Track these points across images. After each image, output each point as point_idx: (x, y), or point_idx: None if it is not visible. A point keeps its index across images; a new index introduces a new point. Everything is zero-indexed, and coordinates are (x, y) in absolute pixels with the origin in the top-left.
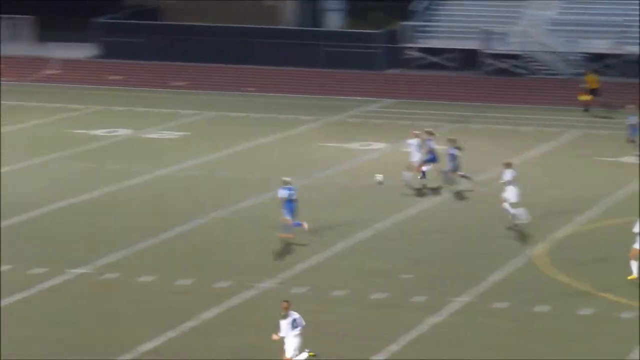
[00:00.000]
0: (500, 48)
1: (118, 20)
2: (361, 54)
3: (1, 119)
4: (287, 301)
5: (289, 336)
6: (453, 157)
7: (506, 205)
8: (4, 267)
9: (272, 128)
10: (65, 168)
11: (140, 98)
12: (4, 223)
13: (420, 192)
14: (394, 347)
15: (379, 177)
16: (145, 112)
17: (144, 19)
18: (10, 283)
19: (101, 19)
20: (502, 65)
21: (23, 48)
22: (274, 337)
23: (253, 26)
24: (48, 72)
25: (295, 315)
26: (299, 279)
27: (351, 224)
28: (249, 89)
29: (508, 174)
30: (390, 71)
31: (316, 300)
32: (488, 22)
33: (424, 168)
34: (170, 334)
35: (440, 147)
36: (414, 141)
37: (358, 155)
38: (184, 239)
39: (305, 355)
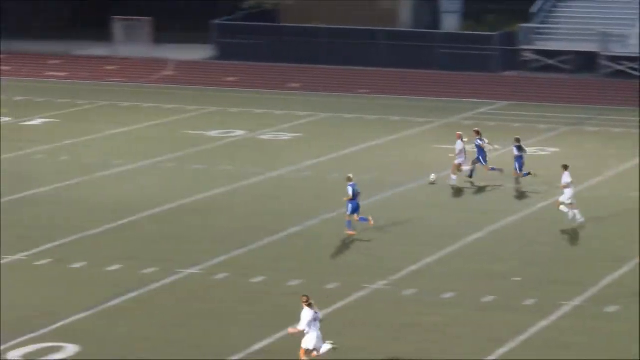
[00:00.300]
0: (618, 50)
1: (234, 22)
2: (477, 56)
3: (116, 120)
4: (306, 295)
5: (309, 330)
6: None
7: (562, 207)
8: (117, 266)
9: (385, 130)
10: (180, 169)
11: (255, 100)
12: (118, 222)
13: (526, 196)
14: (503, 350)
15: (433, 176)
16: (260, 113)
17: (260, 20)
18: (122, 282)
19: (217, 21)
20: (619, 67)
21: (139, 50)
22: (290, 330)
23: (369, 28)
24: (165, 73)
25: (315, 309)
26: (409, 280)
27: (460, 226)
28: (363, 90)
29: (566, 177)
30: (506, 73)
31: (425, 302)
32: (606, 24)
33: (465, 167)
34: (280, 334)
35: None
36: (459, 143)
37: (471, 158)
38: (295, 240)
39: (328, 346)
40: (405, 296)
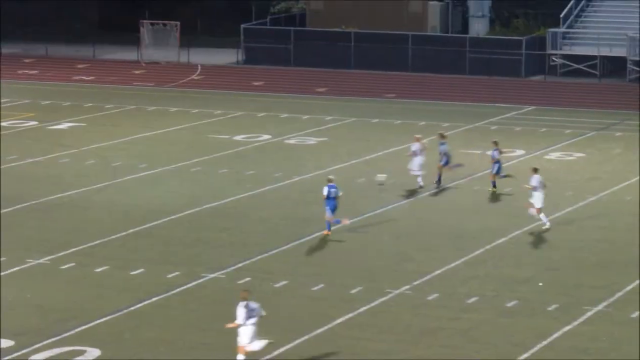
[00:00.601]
0: None
1: (261, 26)
2: (505, 60)
3: (143, 124)
4: (246, 290)
5: (246, 325)
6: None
7: (532, 210)
8: (141, 270)
9: (412, 134)
10: (206, 173)
11: (282, 104)
12: (144, 226)
13: (550, 200)
14: (526, 355)
15: (381, 177)
16: (287, 117)
17: (287, 25)
18: (146, 286)
19: (245, 25)
20: None
21: (166, 54)
22: (229, 325)
23: (397, 32)
24: (192, 77)
25: (253, 304)
26: (433, 285)
27: (484, 231)
28: (390, 95)
29: (534, 180)
30: (534, 78)
31: (448, 307)
32: (635, 29)
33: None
34: (304, 339)
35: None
36: (416, 145)
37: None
38: (319, 245)
39: (264, 343)
40: (429, 301)
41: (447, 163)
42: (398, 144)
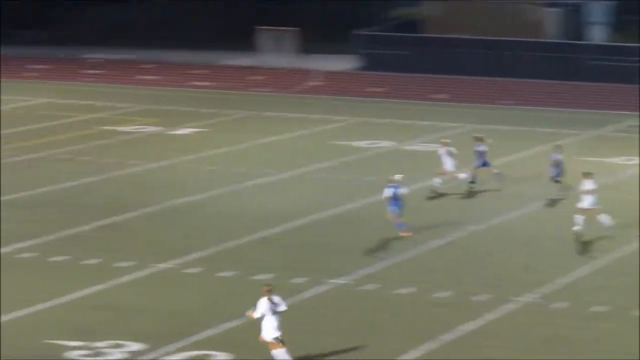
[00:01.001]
0: None
1: (380, 33)
2: (624, 67)
3: (262, 130)
4: (269, 285)
5: (267, 317)
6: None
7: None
8: (266, 276)
9: (530, 142)
10: (326, 179)
11: (402, 110)
12: (267, 232)
13: None
14: None
15: (397, 177)
16: (407, 124)
17: (407, 31)
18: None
19: (363, 31)
20: None
21: (284, 60)
22: (248, 314)
23: (515, 39)
24: (310, 83)
25: (276, 298)
26: (559, 293)
27: (611, 239)
28: (507, 101)
29: (587, 184)
30: None
31: (575, 316)
32: None
33: (462, 175)
34: (429, 346)
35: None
36: (443, 150)
37: (619, 170)
38: (442, 251)
39: (277, 334)
40: (555, 309)
41: (484, 165)
42: (517, 151)
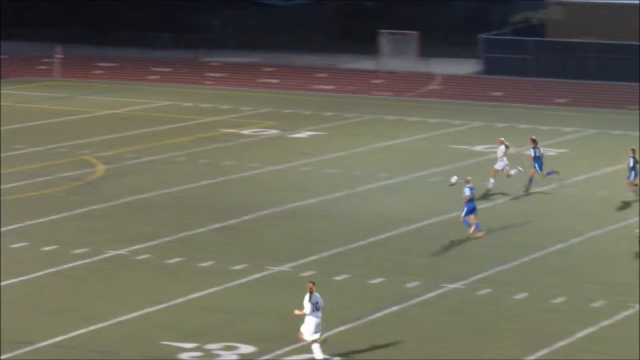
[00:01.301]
0: None
1: (500, 37)
2: None
3: (382, 133)
4: (312, 282)
5: (311, 315)
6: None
7: None
8: (380, 279)
9: None
10: (444, 183)
11: (521, 114)
12: (383, 235)
13: None
14: None
15: (454, 179)
16: (526, 128)
17: (527, 35)
18: (385, 296)
19: (484, 35)
20: None
21: (405, 63)
22: (297, 312)
23: (637, 43)
24: (430, 87)
25: (317, 296)
26: None
27: None
28: (632, 107)
29: None
30: None
31: None
32: None
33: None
34: (542, 352)
35: None
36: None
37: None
38: (559, 257)
39: (317, 336)
40: None
41: (540, 168)
42: None
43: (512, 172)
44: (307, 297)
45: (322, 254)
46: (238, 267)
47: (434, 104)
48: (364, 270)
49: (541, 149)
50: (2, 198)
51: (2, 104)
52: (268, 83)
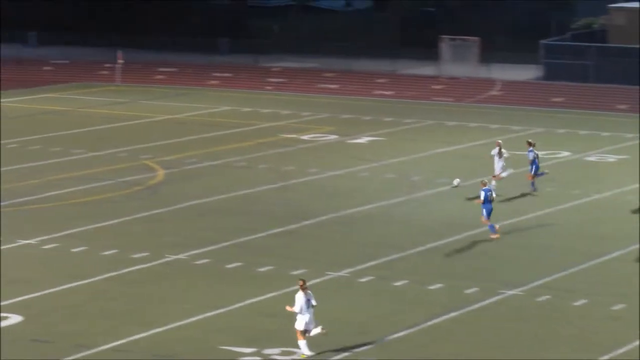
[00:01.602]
0: None
1: (561, 42)
2: None
3: (442, 139)
4: (303, 279)
5: (303, 312)
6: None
7: None
8: (439, 285)
9: None
10: (505, 188)
11: (582, 120)
12: (442, 241)
13: None
14: None
15: (456, 181)
16: (587, 134)
17: (588, 40)
18: (444, 302)
19: (544, 41)
20: None
21: (466, 69)
22: (288, 308)
23: None
24: (491, 93)
25: (310, 293)
26: None
27: None
28: None
29: None
30: None
31: None
32: None
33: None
34: (601, 359)
35: None
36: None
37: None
38: (619, 264)
39: (318, 330)
40: None
41: (536, 170)
42: None
43: (504, 174)
44: (299, 294)
45: (381, 260)
46: (297, 272)
47: (495, 110)
48: (423, 276)
49: (535, 151)
50: (62, 202)
51: (62, 108)
52: (327, 88)
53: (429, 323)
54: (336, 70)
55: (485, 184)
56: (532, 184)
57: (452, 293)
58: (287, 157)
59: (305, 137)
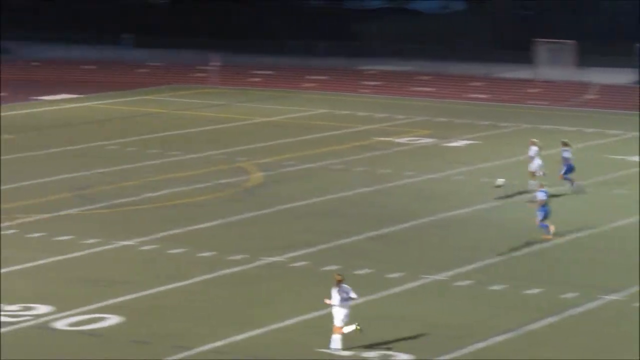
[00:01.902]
0: None
1: None
2: None
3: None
4: (340, 274)
5: (339, 306)
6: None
7: None
8: (537, 290)
9: None
10: (599, 193)
11: None
12: (539, 246)
13: None
14: None
15: (500, 181)
16: None
17: None
18: (541, 306)
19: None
20: None
21: (562, 72)
22: (326, 301)
23: None
24: (587, 97)
25: (347, 288)
26: None
27: None
28: None
29: None
30: None
31: None
32: None
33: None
34: None
35: None
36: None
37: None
38: None
39: (352, 327)
40: None
41: (569, 171)
42: None
43: (540, 173)
44: (333, 290)
45: (478, 263)
46: (394, 275)
47: (590, 114)
48: (521, 281)
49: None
50: (160, 204)
51: (158, 110)
52: (422, 91)
53: (528, 328)
54: (432, 73)
55: (542, 186)
56: (573, 184)
57: (550, 298)
58: (383, 160)
59: (400, 140)
